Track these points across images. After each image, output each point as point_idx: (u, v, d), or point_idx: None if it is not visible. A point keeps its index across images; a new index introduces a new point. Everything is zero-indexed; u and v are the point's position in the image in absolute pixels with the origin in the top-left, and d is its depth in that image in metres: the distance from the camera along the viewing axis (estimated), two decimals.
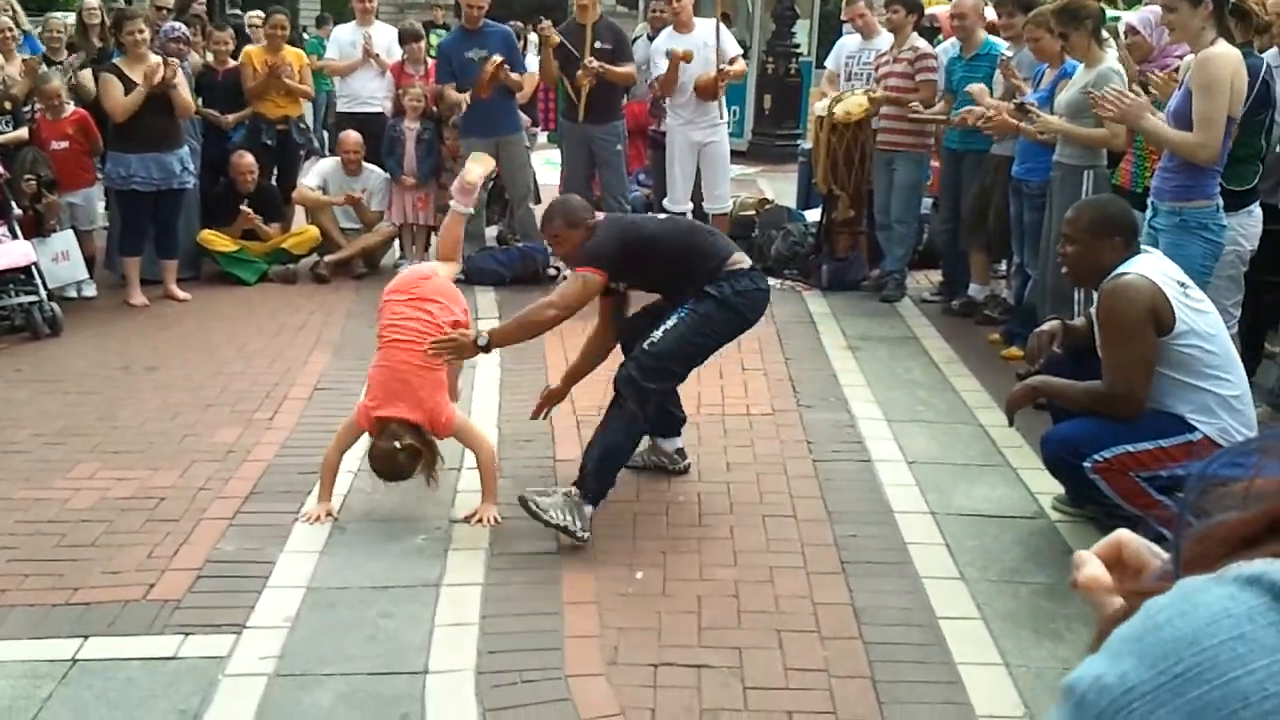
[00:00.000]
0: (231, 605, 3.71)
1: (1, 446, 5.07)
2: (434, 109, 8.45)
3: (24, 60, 7.94)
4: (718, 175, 8.20)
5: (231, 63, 8.67)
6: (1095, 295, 4.20)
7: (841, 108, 7.69)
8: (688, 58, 7.76)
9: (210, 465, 4.85)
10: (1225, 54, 4.63)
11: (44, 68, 7.93)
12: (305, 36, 15.64)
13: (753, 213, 8.98)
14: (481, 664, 3.41)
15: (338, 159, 8.49)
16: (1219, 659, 0.60)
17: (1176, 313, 3.96)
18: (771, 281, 7.99)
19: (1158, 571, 0.78)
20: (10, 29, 8.12)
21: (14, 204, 7.01)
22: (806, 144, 9.87)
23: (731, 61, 8.00)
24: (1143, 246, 4.24)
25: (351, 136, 8.41)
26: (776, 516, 4.42)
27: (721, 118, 8.17)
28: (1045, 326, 4.52)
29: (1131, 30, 6.04)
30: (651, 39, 8.69)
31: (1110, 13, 6.40)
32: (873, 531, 4.30)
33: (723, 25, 8.42)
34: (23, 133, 7.53)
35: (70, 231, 7.46)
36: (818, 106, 8.30)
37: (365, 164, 8.43)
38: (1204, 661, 0.60)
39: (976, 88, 6.63)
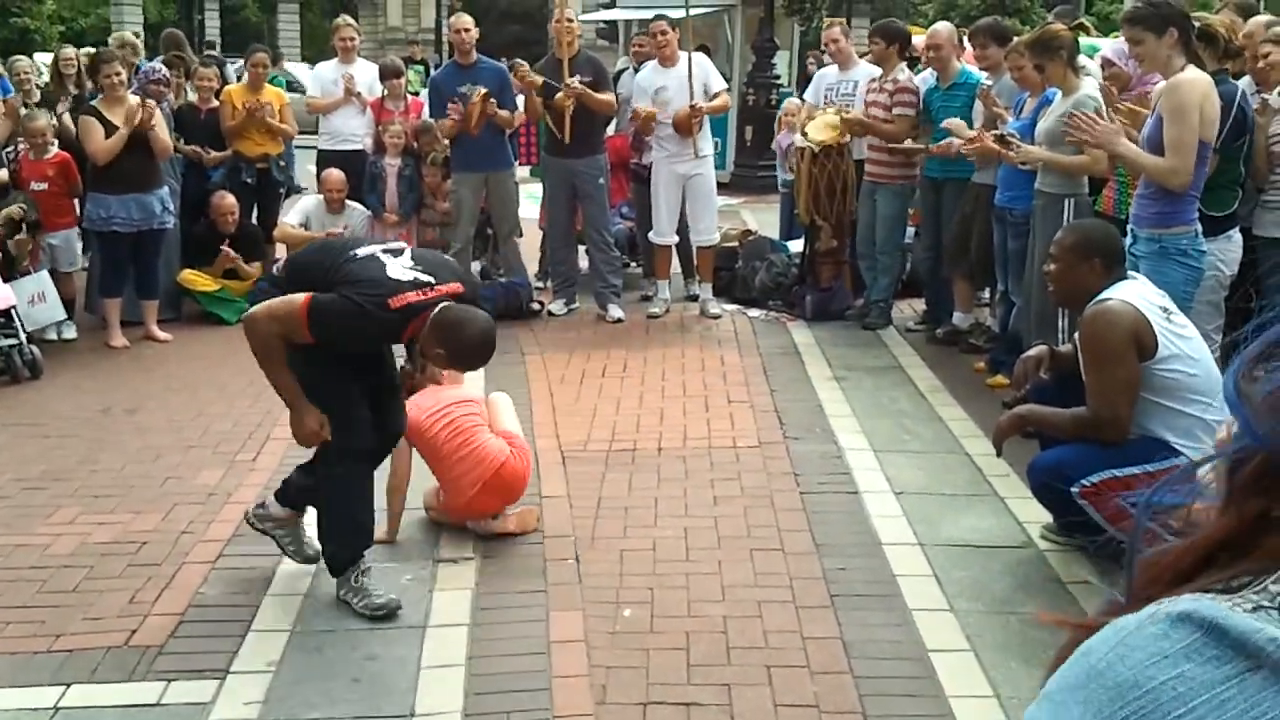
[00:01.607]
0: (215, 650, 3.66)
1: None
2: (414, 145, 8.46)
3: (3, 101, 7.92)
4: (703, 208, 8.20)
5: (215, 102, 8.67)
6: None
7: (813, 126, 7.71)
8: (651, 117, 7.81)
9: (192, 508, 4.81)
10: (1194, 79, 4.67)
11: (23, 109, 7.92)
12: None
13: (736, 244, 8.99)
14: (469, 706, 3.38)
15: (320, 197, 8.47)
16: (1161, 699, 0.60)
17: (1159, 337, 3.98)
18: (755, 313, 8.12)
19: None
20: None
21: None
22: (787, 175, 9.92)
23: (715, 95, 8.01)
24: (1128, 272, 4.25)
25: (334, 175, 8.39)
26: (764, 550, 4.40)
27: (705, 151, 8.18)
28: (1031, 352, 4.53)
29: (1107, 62, 6.08)
30: (636, 71, 8.74)
31: (1086, 41, 6.44)
32: (861, 564, 4.28)
33: (704, 58, 8.44)
34: (2, 174, 7.51)
35: (46, 273, 7.42)
36: (796, 139, 8.33)
37: (347, 201, 8.41)
38: (1147, 705, 0.60)
39: (954, 122, 6.67)
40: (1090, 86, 5.74)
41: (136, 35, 9.72)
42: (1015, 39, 6.69)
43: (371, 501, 4.04)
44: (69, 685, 3.46)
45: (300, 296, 3.64)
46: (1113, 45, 6.24)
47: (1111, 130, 4.93)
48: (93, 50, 8.39)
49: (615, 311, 8.08)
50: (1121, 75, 5.98)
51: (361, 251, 3.87)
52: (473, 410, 4.57)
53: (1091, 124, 4.92)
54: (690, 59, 7.87)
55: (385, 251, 3.87)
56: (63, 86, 8.21)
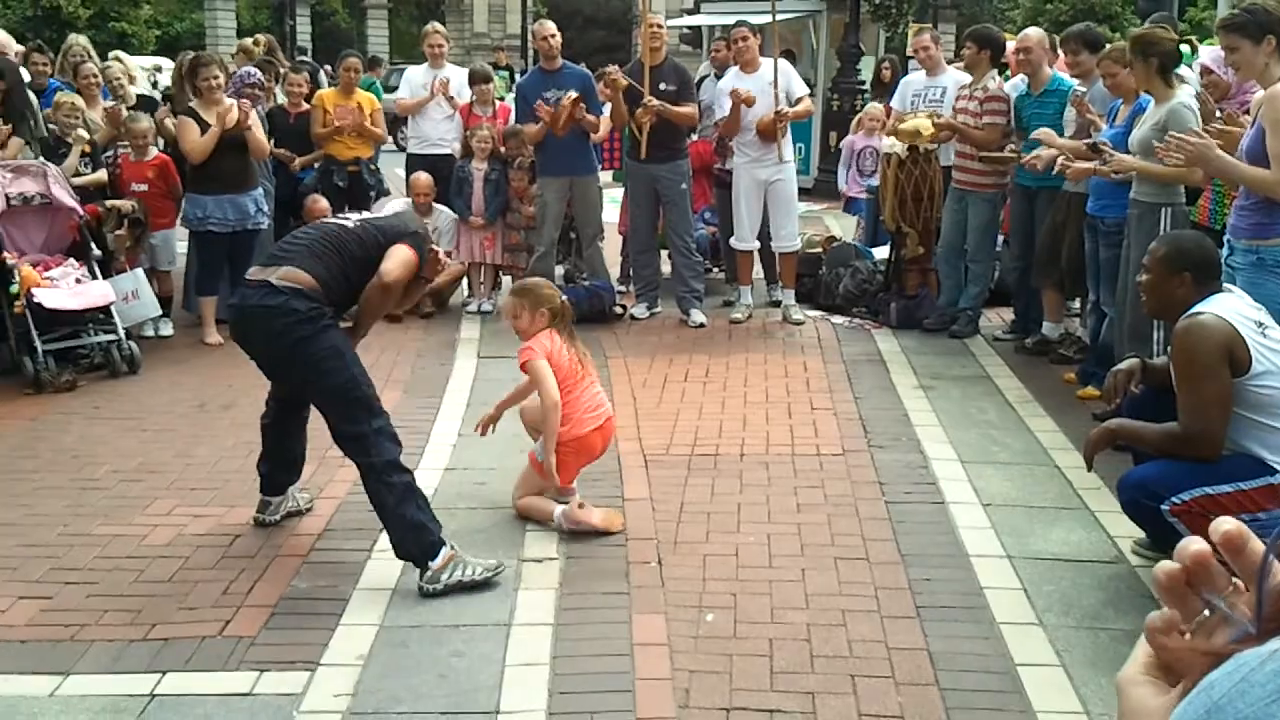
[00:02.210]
0: (305, 642, 3.73)
1: (80, 483, 5.16)
2: (501, 150, 8.55)
3: (106, 107, 8.15)
4: (784, 213, 8.19)
5: (304, 105, 8.84)
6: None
7: (903, 127, 7.65)
8: (749, 101, 7.78)
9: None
10: None
11: (127, 111, 8.14)
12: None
13: (819, 250, 8.96)
14: (553, 705, 3.40)
15: (409, 199, 8.60)
16: None
17: (1253, 352, 3.89)
18: (839, 319, 8.08)
19: (1238, 633, 0.77)
20: (94, 75, 8.34)
21: (94, 245, 7.17)
22: (847, 180, 9.89)
23: (797, 101, 8.00)
24: (1225, 285, 4.16)
25: (423, 178, 8.52)
26: (849, 559, 4.37)
27: (787, 156, 8.17)
28: (1123, 365, 4.45)
29: (1206, 70, 5.96)
30: (718, 78, 8.74)
31: (1189, 52, 6.30)
32: (948, 575, 4.23)
33: (788, 64, 8.42)
34: (102, 175, 7.73)
35: (140, 271, 7.61)
36: (884, 144, 8.27)
37: (434, 205, 8.53)
38: None
39: (1044, 133, 6.57)
40: (1185, 95, 5.63)
41: (256, 42, 9.87)
42: (1108, 45, 6.58)
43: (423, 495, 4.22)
44: (164, 673, 3.55)
45: (400, 248, 4.35)
46: (1211, 53, 6.10)
47: (1206, 145, 4.82)
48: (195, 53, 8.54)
49: (697, 316, 8.08)
50: (1220, 83, 5.86)
51: (354, 218, 4.60)
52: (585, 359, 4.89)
53: (1183, 144, 4.82)
54: (775, 64, 7.85)
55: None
56: (183, 91, 8.29)
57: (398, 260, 4.32)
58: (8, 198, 6.89)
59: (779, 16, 8.58)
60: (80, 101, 7.85)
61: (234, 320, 4.37)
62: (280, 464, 4.67)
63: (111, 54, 9.14)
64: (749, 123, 7.88)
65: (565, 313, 4.81)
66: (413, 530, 4.06)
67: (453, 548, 4.11)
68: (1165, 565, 0.80)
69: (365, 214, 5.00)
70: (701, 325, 8.01)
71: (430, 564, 4.03)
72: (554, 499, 4.70)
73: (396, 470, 4.14)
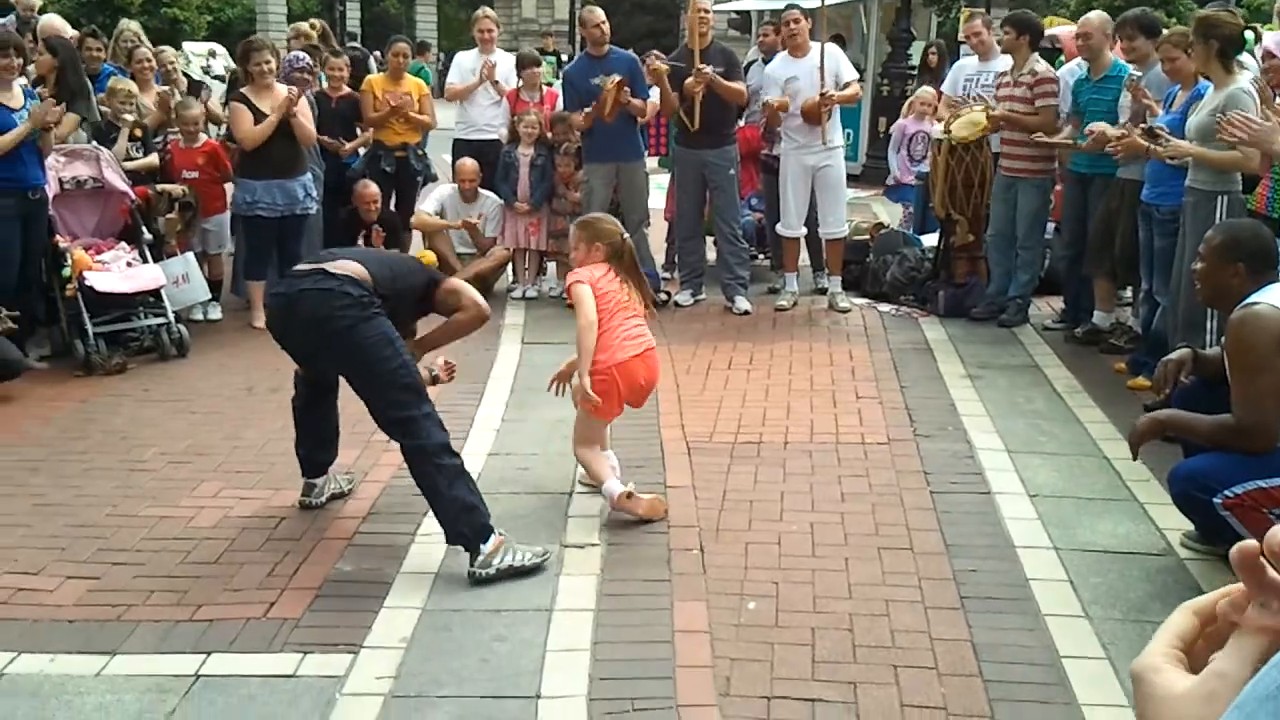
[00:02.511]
0: (349, 625, 3.75)
1: (129, 465, 5.23)
2: (548, 135, 8.55)
3: (158, 92, 8.23)
4: (832, 200, 8.13)
5: (345, 90, 8.87)
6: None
7: (958, 124, 7.58)
8: (784, 107, 7.76)
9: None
10: None
11: (178, 96, 8.22)
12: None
13: (867, 237, 8.88)
14: (594, 690, 3.40)
15: (455, 185, 8.62)
16: None
17: None
18: (886, 307, 8.01)
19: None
20: (149, 60, 8.42)
21: (145, 229, 7.26)
22: (898, 165, 9.78)
23: (845, 85, 7.92)
24: None
25: (469, 164, 8.54)
26: (893, 549, 4.33)
27: (836, 142, 8.10)
28: (1174, 355, 4.38)
29: (1268, 54, 5.83)
30: (766, 63, 8.68)
31: (1252, 39, 6.17)
32: (993, 566, 4.19)
33: (837, 48, 8.34)
34: (153, 159, 7.80)
35: (191, 255, 7.69)
36: (935, 130, 8.19)
37: (480, 190, 8.55)
38: None
39: (1099, 126, 6.46)
40: (1244, 80, 5.52)
41: (313, 26, 9.89)
42: (1165, 30, 6.47)
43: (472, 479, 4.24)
44: (209, 654, 3.58)
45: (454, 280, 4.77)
46: (1275, 36, 5.98)
47: (1270, 128, 4.72)
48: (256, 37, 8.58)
49: (742, 304, 8.05)
50: None
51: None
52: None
53: (1247, 123, 4.72)
54: (823, 49, 7.79)
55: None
56: (251, 77, 8.27)
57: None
58: (61, 181, 6.98)
59: (829, 0, 8.51)
60: (134, 87, 7.93)
61: (280, 306, 4.37)
62: (318, 445, 4.72)
63: (158, 48, 9.22)
64: (795, 108, 7.82)
65: (625, 251, 4.79)
66: (466, 512, 4.07)
67: (501, 533, 4.12)
68: (1244, 544, 0.79)
69: None
70: (746, 313, 7.97)
71: (482, 548, 4.03)
72: (607, 461, 4.74)
73: (448, 453, 4.15)
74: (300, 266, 4.45)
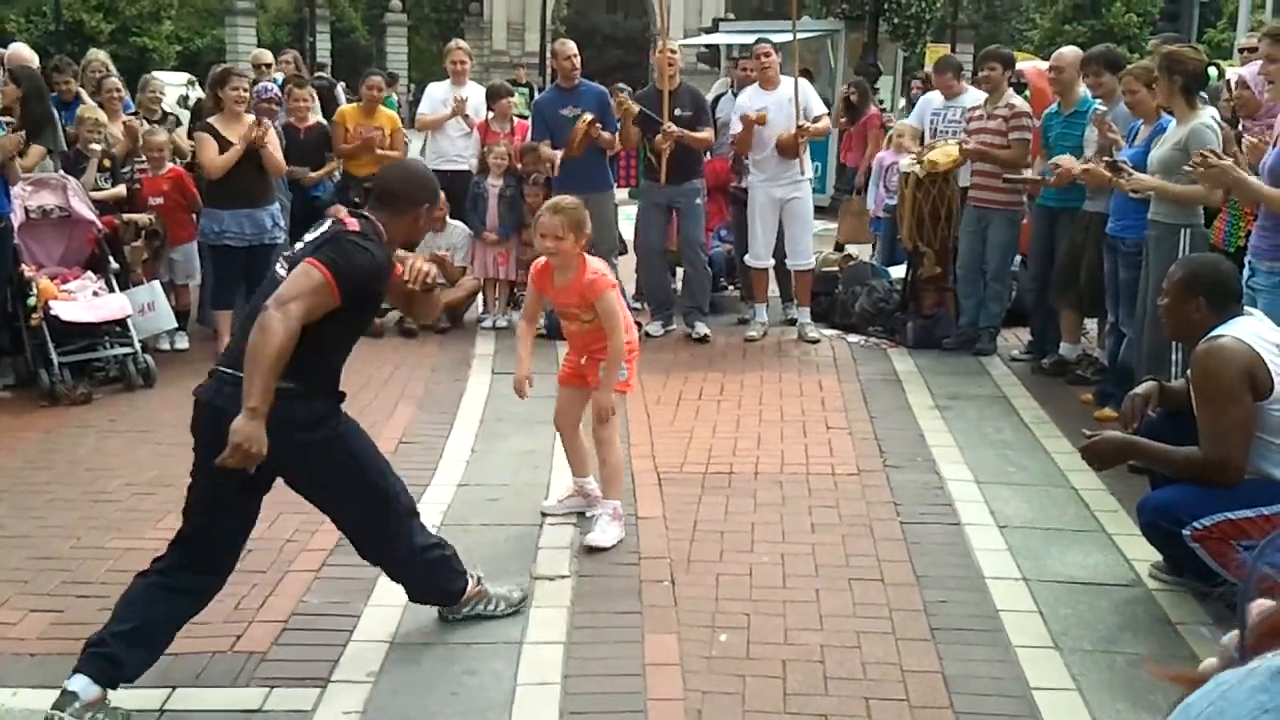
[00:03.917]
0: (316, 659, 3.71)
1: (94, 495, 5.16)
2: (517, 166, 8.56)
3: (124, 121, 8.19)
4: (800, 231, 8.18)
5: (311, 120, 8.86)
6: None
7: (932, 157, 7.65)
8: (761, 120, 7.81)
9: (297, 517, 4.86)
10: None
11: (145, 125, 8.18)
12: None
13: (836, 269, 8.94)
14: None
15: None
16: None
17: (1275, 376, 3.87)
18: (855, 338, 8.05)
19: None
20: (118, 90, 8.40)
21: (111, 258, 7.20)
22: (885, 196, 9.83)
23: (816, 119, 7.99)
24: (1246, 309, 4.13)
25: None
26: (863, 580, 4.34)
27: (804, 174, 8.16)
28: (1140, 389, 4.41)
29: (1242, 84, 5.92)
30: (736, 95, 8.74)
31: (1216, 76, 6.28)
32: (963, 597, 4.19)
33: (806, 82, 8.42)
34: (121, 190, 7.76)
35: (157, 283, 7.64)
36: (904, 163, 8.26)
37: (449, 220, 8.54)
38: None
39: (1063, 159, 6.54)
40: (1208, 115, 5.60)
41: (286, 61, 9.92)
42: (1128, 66, 6.56)
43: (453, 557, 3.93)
44: (174, 688, 3.53)
45: (313, 269, 3.34)
46: (1249, 68, 6.07)
47: (1226, 166, 4.79)
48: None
49: (701, 329, 8.09)
50: (1252, 101, 5.83)
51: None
52: None
53: (1207, 159, 4.79)
54: (796, 82, 7.85)
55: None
56: (222, 105, 8.18)
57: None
58: (27, 210, 6.92)
59: (802, 35, 8.60)
60: (103, 116, 7.90)
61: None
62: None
63: (148, 76, 9.24)
64: (767, 140, 7.88)
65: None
66: (446, 596, 3.93)
67: (479, 581, 3.99)
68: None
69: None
70: (705, 338, 8.00)
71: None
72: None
73: (424, 547, 3.80)
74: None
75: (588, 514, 4.80)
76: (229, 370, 3.45)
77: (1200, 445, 3.95)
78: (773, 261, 8.32)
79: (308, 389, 3.45)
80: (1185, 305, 4.08)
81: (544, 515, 4.88)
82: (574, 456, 4.93)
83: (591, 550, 4.51)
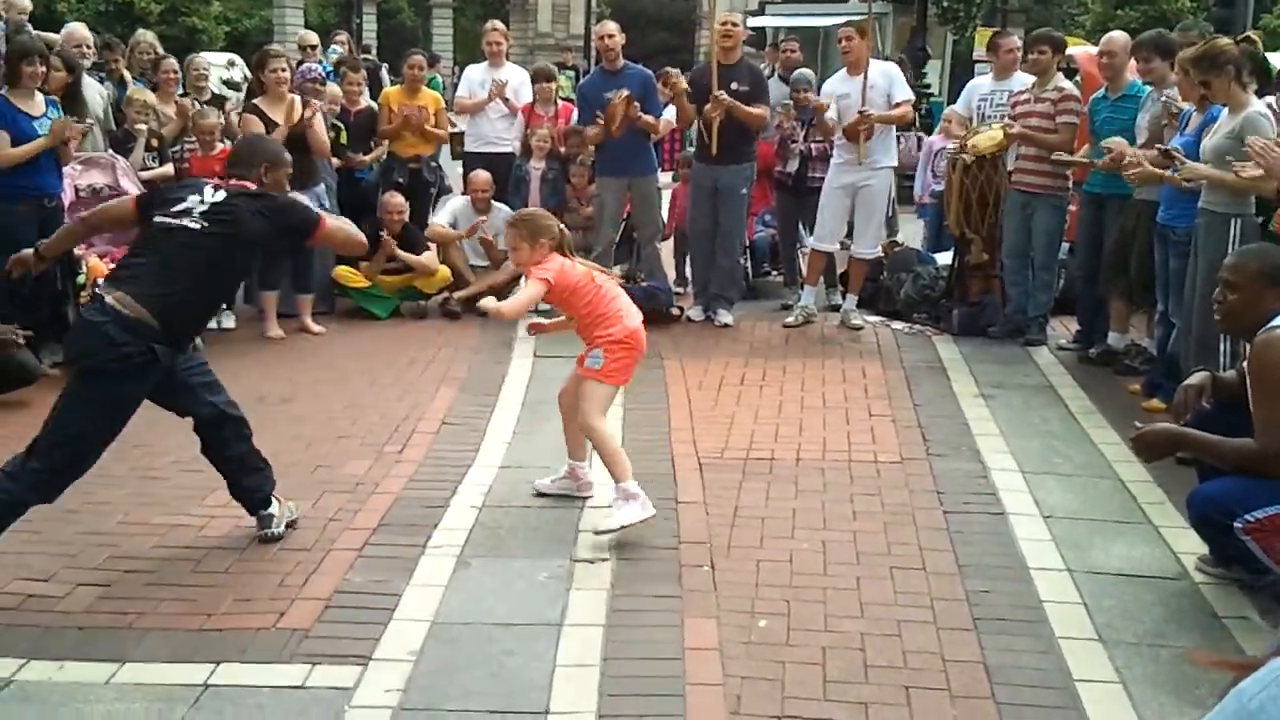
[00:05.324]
0: (358, 637, 3.74)
1: (141, 472, 5.22)
2: (561, 149, 8.55)
3: (177, 101, 8.26)
4: (868, 219, 8.01)
5: (362, 103, 8.89)
6: (1246, 347, 4.03)
7: (974, 141, 7.57)
8: (822, 109, 7.76)
9: (340, 496, 4.93)
10: None
11: (197, 106, 8.25)
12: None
13: (881, 255, 8.87)
14: (603, 707, 3.38)
15: (468, 197, 8.64)
16: None
17: None
18: (899, 325, 7.98)
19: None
20: (175, 71, 8.47)
21: None
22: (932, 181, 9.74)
23: (897, 105, 7.83)
24: None
25: (481, 175, 8.55)
26: (905, 568, 4.31)
27: (881, 162, 7.92)
28: (1193, 380, 4.35)
29: None
30: (782, 79, 8.69)
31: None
32: (1006, 588, 4.16)
33: (894, 67, 8.26)
34: (169, 169, 7.83)
35: None
36: (950, 148, 8.18)
37: (493, 202, 8.56)
38: None
39: (1115, 141, 6.46)
40: (1260, 103, 5.50)
41: (340, 42, 10.00)
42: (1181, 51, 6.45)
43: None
44: (218, 664, 3.56)
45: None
46: None
47: None
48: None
49: (724, 317, 8.04)
50: None
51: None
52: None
53: (1267, 149, 4.70)
54: (866, 68, 7.76)
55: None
56: (263, 87, 8.28)
57: None
58: (77, 189, 7.00)
59: (842, 19, 8.52)
60: (151, 98, 7.96)
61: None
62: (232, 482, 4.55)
63: (192, 55, 9.31)
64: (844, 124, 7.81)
65: (566, 241, 4.69)
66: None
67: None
68: None
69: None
70: (727, 326, 7.96)
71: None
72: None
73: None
74: None
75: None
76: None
77: (1255, 437, 3.89)
78: (837, 246, 8.25)
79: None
80: (1266, 295, 3.96)
81: (539, 494, 4.92)
82: (570, 438, 4.92)
83: (598, 533, 4.49)
